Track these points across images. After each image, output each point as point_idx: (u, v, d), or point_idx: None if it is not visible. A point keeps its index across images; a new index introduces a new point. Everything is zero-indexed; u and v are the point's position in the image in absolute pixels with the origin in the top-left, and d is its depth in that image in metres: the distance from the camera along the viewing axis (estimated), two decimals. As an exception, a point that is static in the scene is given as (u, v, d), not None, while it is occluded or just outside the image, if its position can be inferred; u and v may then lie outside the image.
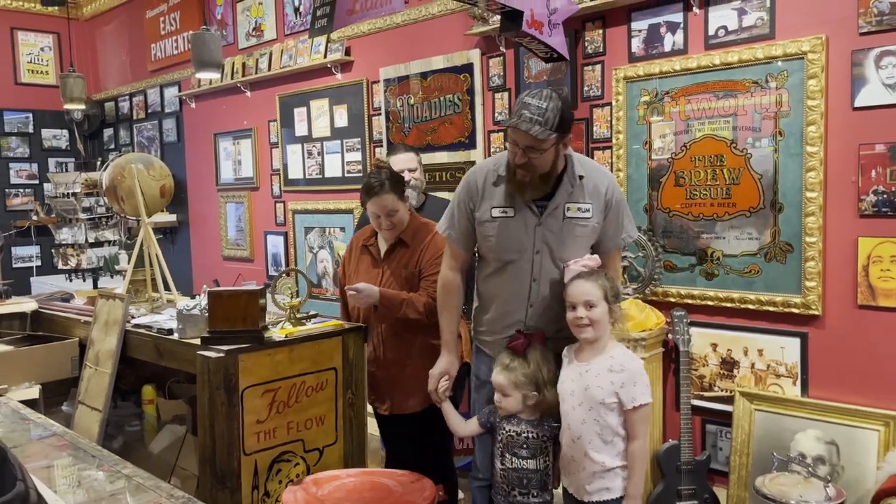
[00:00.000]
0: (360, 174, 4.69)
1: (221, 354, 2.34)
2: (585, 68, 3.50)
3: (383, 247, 2.83)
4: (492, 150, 3.93)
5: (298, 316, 2.70)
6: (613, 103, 3.36)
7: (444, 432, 2.92)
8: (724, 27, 3.02)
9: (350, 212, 4.76)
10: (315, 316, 2.81)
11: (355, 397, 2.74)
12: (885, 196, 2.65)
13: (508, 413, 2.24)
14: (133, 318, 2.96)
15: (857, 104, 2.70)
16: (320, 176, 5.01)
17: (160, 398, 2.98)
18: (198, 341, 2.50)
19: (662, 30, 3.22)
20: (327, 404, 2.68)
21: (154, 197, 3.33)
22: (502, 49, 3.82)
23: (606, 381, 2.11)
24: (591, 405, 2.12)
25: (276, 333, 2.54)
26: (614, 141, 3.37)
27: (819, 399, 2.84)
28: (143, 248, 3.20)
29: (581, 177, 2.28)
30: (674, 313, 3.12)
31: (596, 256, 2.27)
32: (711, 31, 3.06)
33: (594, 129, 3.47)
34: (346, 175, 4.83)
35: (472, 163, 3.97)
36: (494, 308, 2.40)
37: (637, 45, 3.30)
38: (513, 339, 2.26)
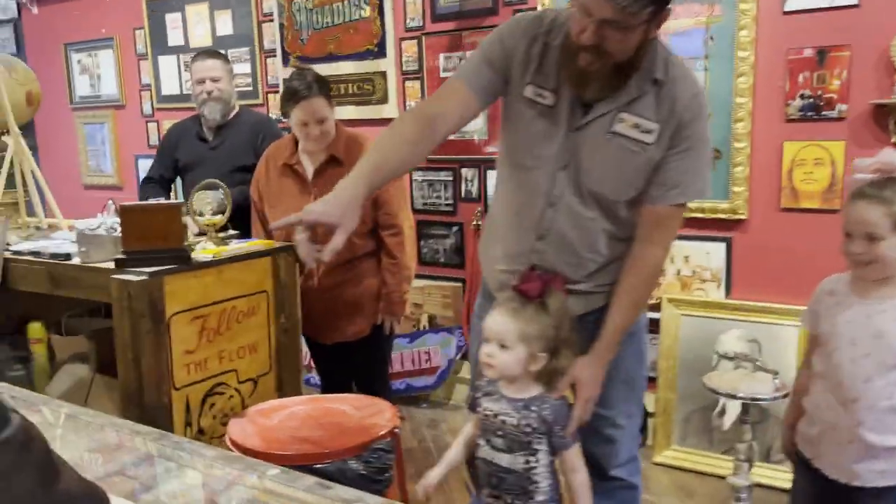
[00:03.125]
0: (250, 88, 4.28)
1: (144, 277, 2.02)
2: (507, -30, 3.32)
3: (309, 166, 2.56)
4: (404, 59, 3.68)
5: (221, 235, 2.40)
6: (539, 6, 3.22)
7: (385, 356, 2.78)
8: None
9: (239, 130, 4.34)
10: (238, 235, 2.51)
11: (288, 322, 2.50)
12: (811, 100, 2.73)
13: (497, 377, 1.63)
14: (10, 245, 2.51)
15: (787, 7, 2.73)
16: (201, 91, 4.51)
17: (53, 336, 2.58)
18: (107, 265, 2.15)
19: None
20: (259, 331, 2.42)
21: (20, 105, 2.81)
22: (415, -53, 3.54)
23: None
24: (883, 360, 1.59)
25: (201, 254, 2.24)
26: (540, 48, 3.24)
27: (742, 300, 2.96)
28: (12, 165, 2.70)
29: (657, 81, 1.56)
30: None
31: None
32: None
33: (517, 35, 3.32)
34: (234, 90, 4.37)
35: (383, 74, 3.72)
36: (495, 233, 1.82)
37: (563, -55, 3.16)
38: (524, 279, 1.63)
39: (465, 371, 3.74)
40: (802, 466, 1.80)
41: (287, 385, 2.53)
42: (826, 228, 2.77)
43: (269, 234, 2.65)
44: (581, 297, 1.72)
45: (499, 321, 1.61)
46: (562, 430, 1.61)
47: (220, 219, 2.39)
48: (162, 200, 2.26)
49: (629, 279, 1.69)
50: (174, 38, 4.56)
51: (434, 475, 1.71)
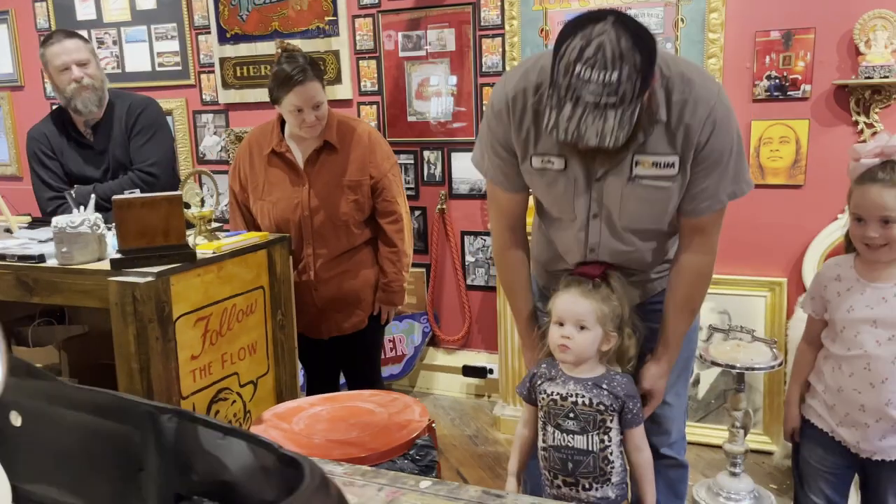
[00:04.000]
0: (179, 68, 3.97)
1: (151, 278, 1.82)
2: (471, -54, 3.24)
3: (299, 154, 2.39)
4: (357, 37, 3.53)
5: (210, 228, 2.20)
6: (505, -13, 3.17)
7: (379, 346, 2.69)
8: None
9: (168, 114, 4.01)
10: (225, 228, 2.33)
11: (285, 318, 2.34)
12: (777, 81, 2.86)
13: (574, 361, 1.59)
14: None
15: (755, -9, 2.83)
16: (119, 71, 4.13)
17: (15, 348, 2.28)
18: (97, 267, 1.92)
19: None
20: (258, 330, 2.26)
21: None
22: (368, -80, 3.38)
23: None
24: None
25: (201, 249, 2.05)
26: (507, 27, 3.20)
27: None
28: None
29: (661, 121, 1.46)
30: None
31: None
32: (612, -88, 2.99)
33: (482, 13, 3.26)
34: (158, 70, 4.04)
35: (335, 53, 3.55)
36: (546, 250, 1.82)
37: (530, -78, 3.12)
38: (583, 265, 1.66)
39: (430, 357, 3.69)
40: (816, 441, 1.84)
41: (285, 385, 2.38)
42: (791, 203, 2.93)
43: (251, 226, 2.47)
44: (639, 286, 1.73)
45: (578, 302, 1.57)
46: (634, 405, 1.61)
47: (210, 210, 2.20)
48: (137, 194, 2.02)
49: (681, 290, 1.68)
50: (84, 11, 4.14)
51: (513, 468, 1.70)
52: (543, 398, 1.65)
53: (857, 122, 2.78)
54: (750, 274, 3.00)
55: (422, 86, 3.43)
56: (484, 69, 3.30)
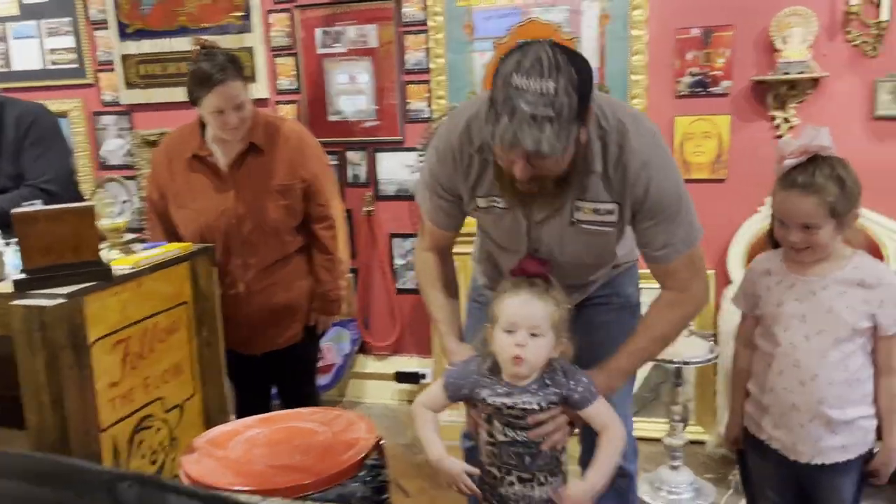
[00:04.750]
0: (75, 66, 3.67)
1: (61, 300, 1.62)
2: (390, -61, 3.13)
3: (222, 157, 2.23)
4: (273, 33, 3.36)
5: (125, 240, 2.02)
6: (429, -21, 3.09)
7: (315, 359, 2.56)
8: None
9: (63, 116, 3.70)
10: (140, 239, 2.14)
11: (211, 335, 2.18)
12: (698, 77, 2.90)
13: (528, 372, 1.48)
14: None
15: (676, -11, 2.87)
16: (6, 69, 3.79)
17: None
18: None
19: None
20: (182, 349, 2.09)
21: None
22: (280, -90, 3.22)
23: (858, 299, 1.59)
24: (837, 334, 1.60)
25: (117, 265, 1.86)
26: (431, 23, 3.12)
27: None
28: None
29: (597, 171, 1.46)
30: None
31: (825, 131, 1.58)
32: None
33: (404, 9, 3.16)
34: (51, 68, 3.73)
35: (249, 50, 3.37)
36: (487, 260, 1.81)
37: (451, -84, 3.05)
38: (523, 262, 1.54)
39: (360, 365, 3.57)
40: (755, 450, 1.78)
41: (213, 408, 2.22)
42: (714, 197, 2.98)
43: (171, 237, 2.28)
44: (579, 290, 1.71)
45: (531, 304, 1.44)
46: (578, 385, 1.49)
47: (124, 221, 2.01)
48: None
49: (660, 326, 1.59)
50: (-37, 5, 3.77)
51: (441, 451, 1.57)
52: (482, 404, 1.52)
53: (773, 117, 2.86)
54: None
55: (343, 84, 3.30)
56: (408, 67, 3.21)
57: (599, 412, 1.52)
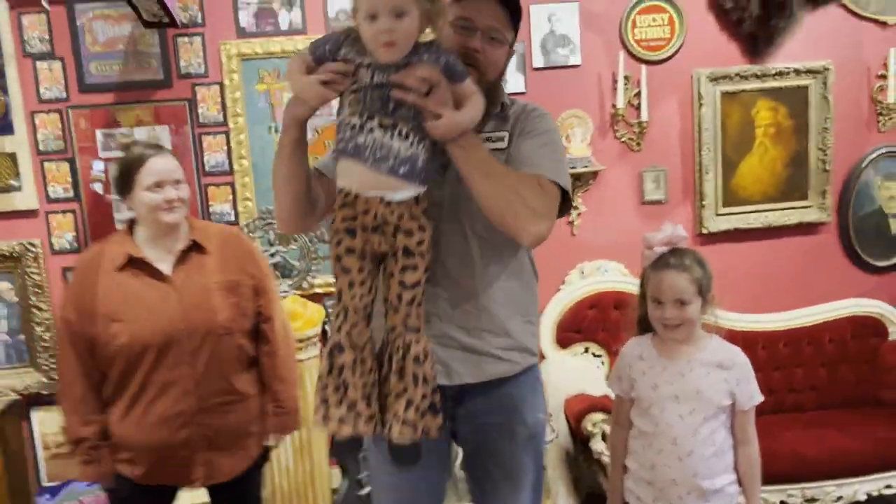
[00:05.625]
0: None
1: None
2: (180, 39, 2.97)
3: (163, 258, 1.94)
4: (40, 136, 2.97)
5: None
6: (227, 83, 2.97)
7: (261, 487, 2.21)
8: (345, 10, 3.02)
9: None
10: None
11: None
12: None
13: (400, 55, 1.35)
14: None
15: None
16: None
17: None
18: None
19: (276, 4, 2.99)
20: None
21: None
22: (45, 5, 2.90)
23: (719, 379, 1.78)
24: (705, 412, 1.78)
25: None
26: (232, 125, 3.00)
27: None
28: None
29: (503, 105, 1.64)
30: (327, 303, 3.01)
31: (680, 226, 1.84)
32: (332, 13, 3.01)
33: (200, 111, 3.00)
34: None
35: (12, 156, 2.94)
36: None
37: (246, 19, 2.99)
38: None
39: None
40: None
41: None
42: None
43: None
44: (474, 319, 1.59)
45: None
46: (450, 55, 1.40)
47: None
48: None
49: (517, 177, 1.51)
50: None
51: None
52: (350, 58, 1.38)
53: (565, 205, 3.17)
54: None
55: (132, 189, 3.01)
56: (207, 169, 3.03)
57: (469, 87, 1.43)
